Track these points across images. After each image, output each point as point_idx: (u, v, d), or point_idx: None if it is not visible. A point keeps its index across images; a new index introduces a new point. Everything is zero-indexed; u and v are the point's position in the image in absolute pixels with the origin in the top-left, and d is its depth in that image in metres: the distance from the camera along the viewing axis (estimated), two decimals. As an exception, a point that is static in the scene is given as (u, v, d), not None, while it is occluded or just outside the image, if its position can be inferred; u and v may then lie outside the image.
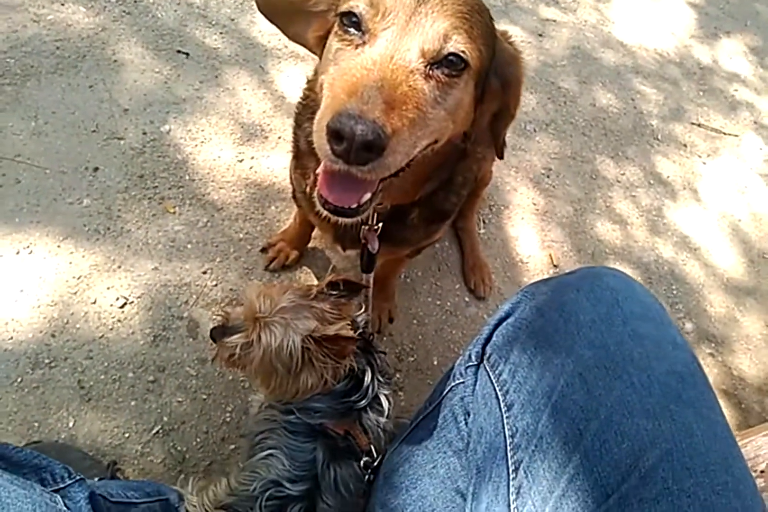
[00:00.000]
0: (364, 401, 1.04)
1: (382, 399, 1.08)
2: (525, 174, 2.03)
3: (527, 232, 1.91)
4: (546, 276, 1.82)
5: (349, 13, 0.72)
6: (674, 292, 1.95)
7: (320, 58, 0.90)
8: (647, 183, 2.20)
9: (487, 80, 0.82)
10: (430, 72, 0.70)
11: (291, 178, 1.28)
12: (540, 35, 2.53)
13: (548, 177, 2.06)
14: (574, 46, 2.56)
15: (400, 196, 0.97)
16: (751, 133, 2.51)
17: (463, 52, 0.71)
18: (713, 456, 0.60)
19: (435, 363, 1.58)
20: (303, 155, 1.09)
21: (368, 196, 0.76)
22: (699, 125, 2.46)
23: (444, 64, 0.71)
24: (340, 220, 0.78)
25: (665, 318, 0.74)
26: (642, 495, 0.58)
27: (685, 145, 2.38)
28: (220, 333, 1.03)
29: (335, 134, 0.60)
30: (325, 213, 0.76)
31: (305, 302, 1.00)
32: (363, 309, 1.14)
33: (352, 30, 0.72)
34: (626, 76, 2.53)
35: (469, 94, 0.79)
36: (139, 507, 0.93)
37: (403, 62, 0.67)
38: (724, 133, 2.47)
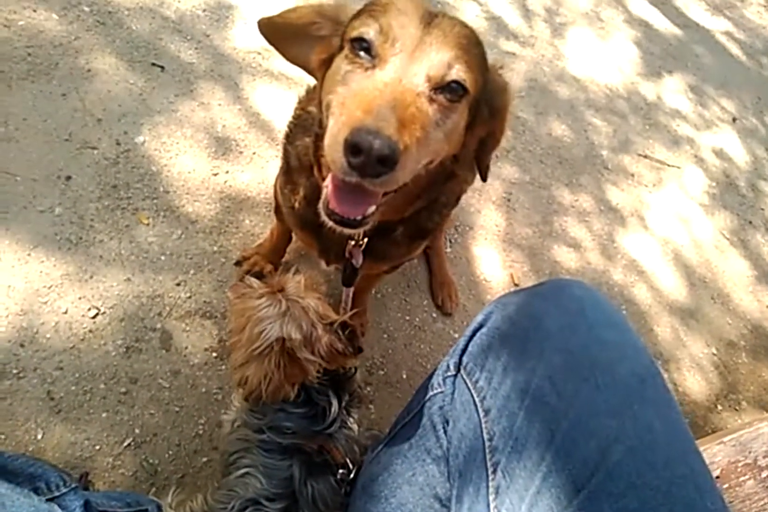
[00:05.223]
0: (331, 429, 1.05)
1: (350, 422, 1.10)
2: (488, 197, 2.12)
3: (490, 252, 1.99)
4: (508, 295, 1.90)
5: (361, 39, 0.77)
6: (624, 313, 2.05)
7: (318, 79, 0.94)
8: (599, 209, 2.32)
9: (478, 108, 0.87)
10: (434, 96, 0.75)
11: (276, 193, 1.31)
12: (500, 67, 2.65)
13: (509, 201, 2.15)
14: (531, 78, 2.69)
15: (392, 212, 1.01)
16: (692, 166, 2.69)
17: (464, 80, 0.77)
18: (673, 451, 0.65)
19: (404, 376, 1.62)
20: (293, 172, 1.13)
21: (373, 208, 0.80)
22: (645, 157, 2.62)
23: (446, 90, 0.76)
24: (344, 230, 0.82)
25: (626, 324, 0.79)
26: (610, 490, 0.62)
27: (632, 175, 2.53)
28: (257, 275, 1.08)
29: (353, 148, 0.64)
30: (331, 223, 0.80)
31: (314, 317, 1.00)
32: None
33: (362, 54, 0.77)
34: (579, 108, 2.68)
35: (464, 119, 0.84)
36: (122, 517, 0.92)
37: (411, 85, 0.72)
38: (668, 165, 2.64)
